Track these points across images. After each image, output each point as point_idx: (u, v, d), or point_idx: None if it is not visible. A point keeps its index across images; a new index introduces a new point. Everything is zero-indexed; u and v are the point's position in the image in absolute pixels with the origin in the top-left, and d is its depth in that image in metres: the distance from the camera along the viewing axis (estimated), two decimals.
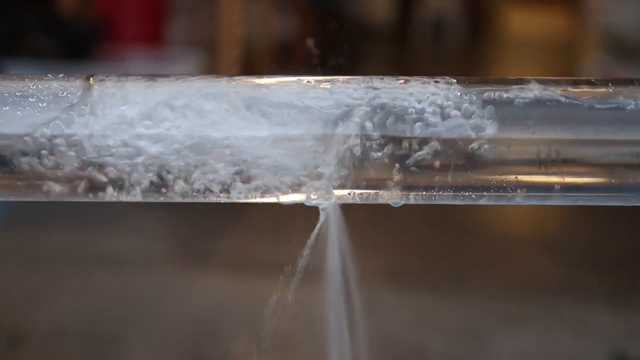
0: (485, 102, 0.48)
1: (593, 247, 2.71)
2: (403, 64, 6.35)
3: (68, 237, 2.54)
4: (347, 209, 0.54)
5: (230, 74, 0.50)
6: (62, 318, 2.04)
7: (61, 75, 0.49)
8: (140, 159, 0.47)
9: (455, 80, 0.49)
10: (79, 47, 3.09)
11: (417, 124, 0.48)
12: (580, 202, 0.51)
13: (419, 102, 0.48)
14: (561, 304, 2.22)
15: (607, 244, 2.73)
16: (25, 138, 0.47)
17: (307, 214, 0.52)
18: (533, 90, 0.49)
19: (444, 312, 2.15)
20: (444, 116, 0.48)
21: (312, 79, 0.49)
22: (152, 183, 0.48)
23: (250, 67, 3.69)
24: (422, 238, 2.69)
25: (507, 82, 0.50)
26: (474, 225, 2.90)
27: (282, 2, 4.32)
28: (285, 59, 3.99)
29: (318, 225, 0.51)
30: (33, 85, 0.49)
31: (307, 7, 4.93)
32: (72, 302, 2.14)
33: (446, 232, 2.76)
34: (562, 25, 7.68)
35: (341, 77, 0.49)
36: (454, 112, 0.48)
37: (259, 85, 0.49)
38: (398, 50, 6.84)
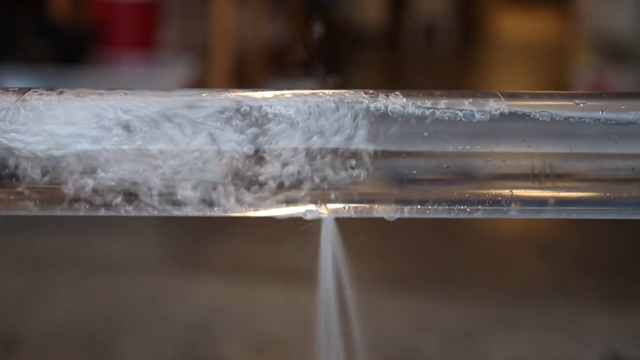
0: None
1: (587, 250, 2.72)
2: (395, 68, 6.36)
3: (62, 241, 2.54)
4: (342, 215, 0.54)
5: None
6: (56, 323, 2.04)
7: None
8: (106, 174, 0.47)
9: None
10: (72, 52, 3.08)
11: (412, 136, 0.48)
12: (575, 216, 0.51)
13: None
14: (555, 306, 2.22)
15: (601, 247, 2.73)
16: None
17: (299, 221, 0.52)
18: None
19: (438, 316, 2.16)
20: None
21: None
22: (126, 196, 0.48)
23: (243, 71, 3.70)
24: (417, 242, 2.69)
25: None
26: (468, 229, 2.90)
27: (274, 7, 4.32)
28: (278, 64, 3.99)
29: (315, 239, 0.51)
30: None
31: (300, 12, 4.93)
32: (66, 307, 2.14)
33: (440, 236, 2.76)
34: (554, 29, 7.70)
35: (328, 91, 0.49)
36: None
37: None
38: (390, 55, 6.85)
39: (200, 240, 2.65)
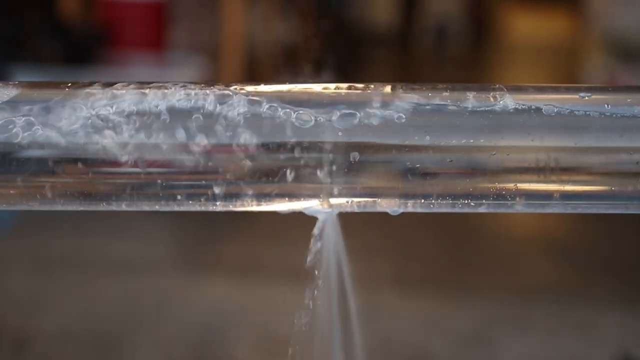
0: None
1: (598, 250, 2.71)
2: (406, 69, 6.36)
3: (73, 243, 2.54)
4: (352, 216, 0.53)
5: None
6: (68, 322, 2.04)
7: None
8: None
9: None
10: (82, 52, 3.09)
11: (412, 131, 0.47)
12: (580, 210, 0.50)
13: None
14: (567, 306, 2.22)
15: (613, 247, 2.73)
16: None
17: (307, 220, 0.52)
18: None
19: (450, 316, 2.15)
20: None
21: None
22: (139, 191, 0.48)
23: (253, 71, 3.70)
24: (427, 242, 2.69)
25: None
26: (479, 229, 2.90)
27: (285, 7, 4.32)
28: (288, 64, 4.00)
29: (316, 234, 0.50)
30: None
31: (311, 13, 4.93)
32: (77, 307, 2.14)
33: (451, 236, 2.76)
34: (566, 29, 7.68)
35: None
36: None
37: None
38: (401, 56, 6.84)
39: (210, 241, 2.65)
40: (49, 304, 2.13)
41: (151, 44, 3.26)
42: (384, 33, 6.95)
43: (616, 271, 2.51)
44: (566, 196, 0.49)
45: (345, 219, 0.51)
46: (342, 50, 5.35)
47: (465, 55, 7.03)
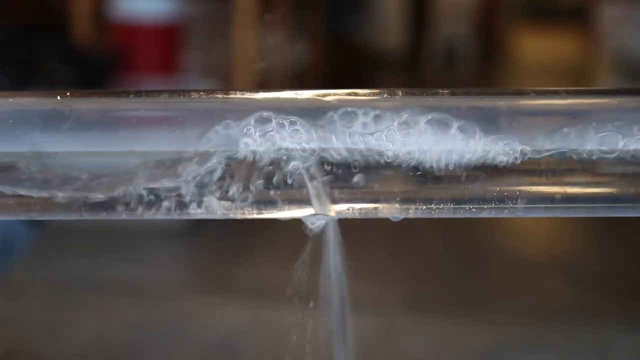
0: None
1: (611, 270, 2.71)
2: None
3: (88, 266, 2.55)
4: (373, 239, 0.54)
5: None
6: (83, 346, 2.05)
7: None
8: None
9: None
10: (95, 77, 3.11)
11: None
12: (582, 214, 0.50)
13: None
14: (580, 327, 2.21)
15: (625, 267, 2.72)
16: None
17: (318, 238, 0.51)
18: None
19: (461, 337, 2.15)
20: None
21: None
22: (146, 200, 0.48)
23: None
24: (439, 263, 2.68)
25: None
26: (492, 250, 2.89)
27: (296, 30, 4.35)
28: (300, 86, 4.01)
29: (316, 240, 0.50)
30: None
31: (321, 35, 4.96)
32: (93, 330, 2.15)
33: (463, 257, 2.76)
34: (575, 49, 7.69)
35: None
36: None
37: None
38: (411, 77, 6.86)
39: (225, 263, 2.65)
40: (64, 328, 2.13)
41: (164, 67, 3.28)
42: (393, 55, 6.97)
43: (630, 291, 2.50)
44: (568, 199, 0.48)
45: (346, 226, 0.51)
46: (352, 72, 5.37)
47: (475, 77, 7.04)
